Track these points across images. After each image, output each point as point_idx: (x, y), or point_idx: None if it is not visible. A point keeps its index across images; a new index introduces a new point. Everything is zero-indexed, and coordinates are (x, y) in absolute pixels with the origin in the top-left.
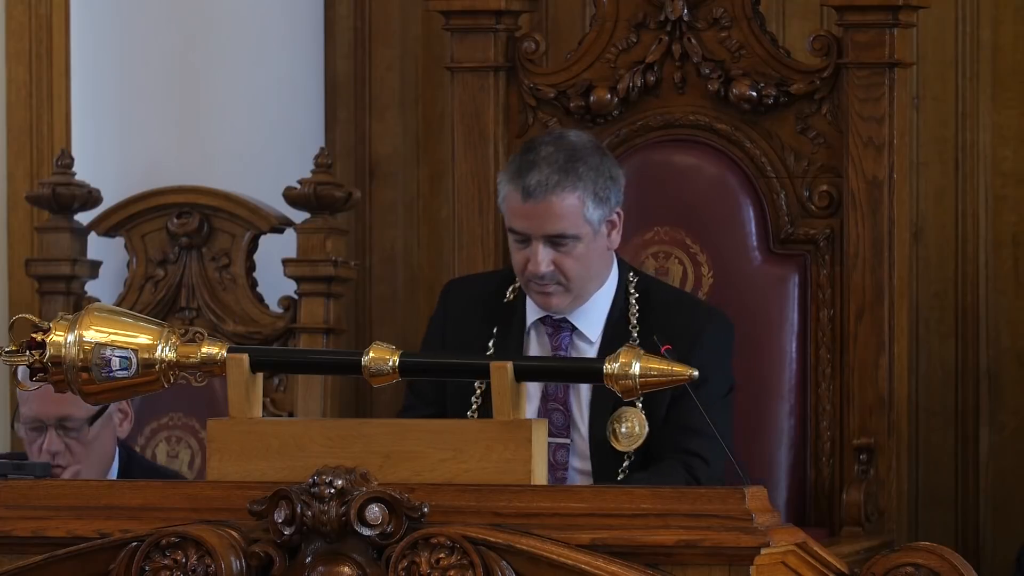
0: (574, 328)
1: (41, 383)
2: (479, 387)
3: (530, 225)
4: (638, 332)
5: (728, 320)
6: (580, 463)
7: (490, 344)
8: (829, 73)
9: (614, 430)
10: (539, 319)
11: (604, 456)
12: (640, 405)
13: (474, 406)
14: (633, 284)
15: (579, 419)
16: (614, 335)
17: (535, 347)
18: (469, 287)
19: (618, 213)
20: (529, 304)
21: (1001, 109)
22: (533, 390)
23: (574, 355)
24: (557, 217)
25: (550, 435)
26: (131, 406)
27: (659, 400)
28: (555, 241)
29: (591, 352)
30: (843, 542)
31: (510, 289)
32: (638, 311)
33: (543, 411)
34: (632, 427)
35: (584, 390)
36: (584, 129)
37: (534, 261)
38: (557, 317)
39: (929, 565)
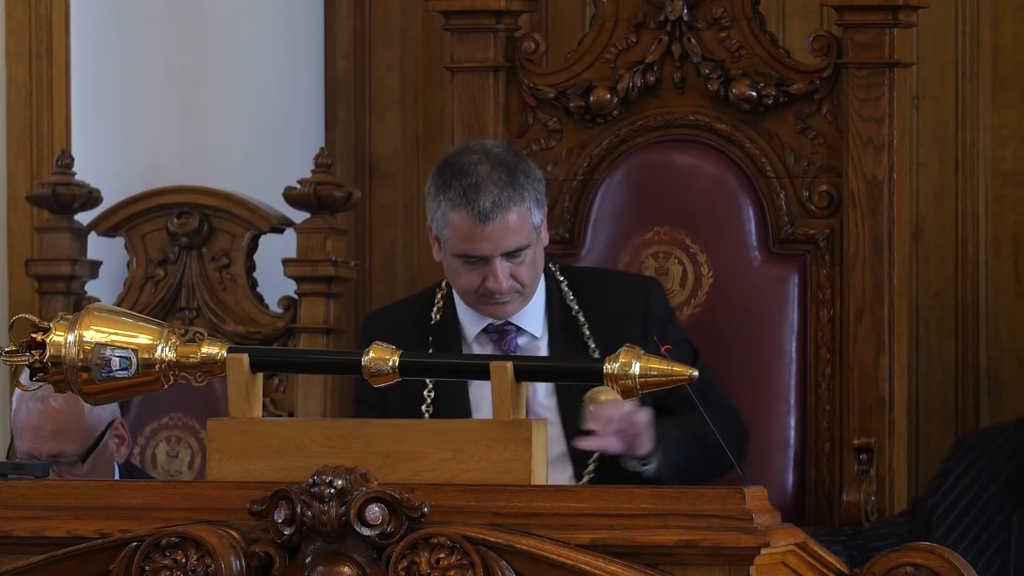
0: (519, 329)
1: (41, 383)
2: (428, 395)
3: (489, 247)
4: (584, 315)
5: (655, 279)
6: (546, 399)
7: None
8: (829, 73)
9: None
10: (481, 331)
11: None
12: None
13: (426, 414)
14: (557, 273)
15: (547, 399)
16: (560, 326)
17: None
18: (390, 316)
19: (545, 210)
20: (465, 318)
21: (1001, 109)
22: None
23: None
24: (514, 232)
25: None
26: (127, 429)
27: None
28: (513, 255)
29: (541, 349)
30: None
31: (434, 310)
32: (573, 297)
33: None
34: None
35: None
36: (584, 129)
37: (494, 279)
38: (498, 323)
39: (929, 565)
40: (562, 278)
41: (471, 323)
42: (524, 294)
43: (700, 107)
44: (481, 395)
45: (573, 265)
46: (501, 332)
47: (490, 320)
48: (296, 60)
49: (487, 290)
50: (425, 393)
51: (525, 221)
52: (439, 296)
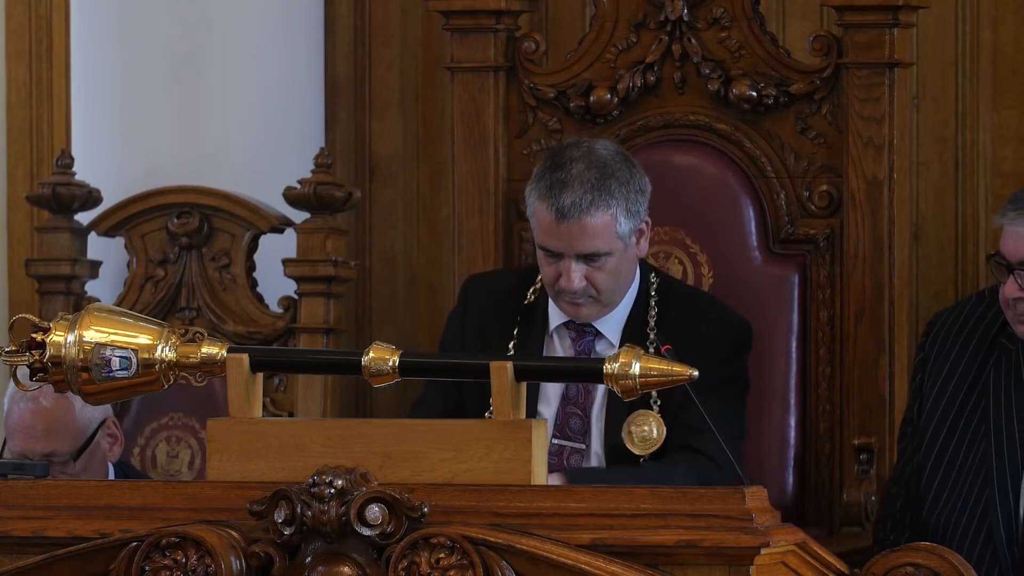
0: (597, 332)
1: (41, 383)
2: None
3: (564, 244)
4: (655, 334)
5: (744, 320)
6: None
7: (511, 346)
8: (829, 73)
9: (630, 432)
10: (563, 323)
11: (619, 462)
12: (657, 408)
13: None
14: (654, 286)
15: (595, 423)
16: (633, 338)
17: (558, 351)
18: (489, 284)
19: (646, 222)
20: (552, 308)
21: (1001, 109)
22: (552, 393)
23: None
24: (591, 236)
25: (566, 438)
26: (120, 428)
27: (675, 400)
28: (588, 257)
29: None
30: (843, 542)
31: (531, 290)
32: (656, 313)
33: (562, 415)
34: (649, 431)
35: (601, 393)
36: (584, 129)
37: (567, 278)
38: (580, 322)
39: (929, 565)
40: (655, 292)
41: (557, 313)
42: (600, 300)
43: (700, 107)
44: (548, 398)
45: (679, 282)
46: (580, 331)
47: (582, 320)
48: (296, 60)
49: (560, 287)
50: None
51: (607, 228)
52: (539, 277)
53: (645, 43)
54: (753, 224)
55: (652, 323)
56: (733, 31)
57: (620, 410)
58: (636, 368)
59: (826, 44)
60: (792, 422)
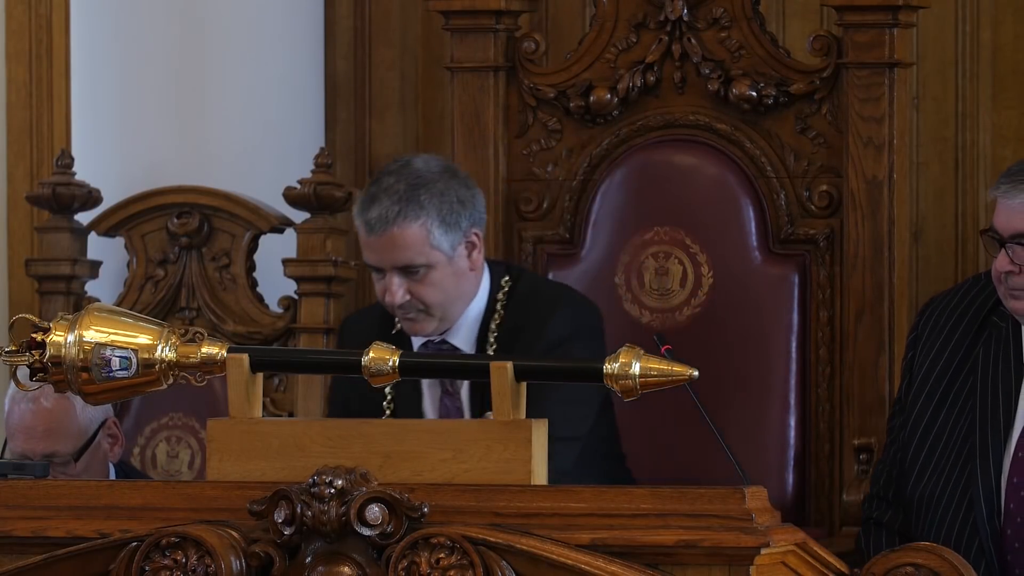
0: (453, 347)
1: (41, 383)
2: (389, 392)
3: (379, 258)
4: (495, 337)
5: (582, 304)
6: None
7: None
8: (829, 73)
9: None
10: (423, 343)
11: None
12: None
13: (387, 412)
14: (504, 290)
15: (466, 414)
16: (480, 347)
17: None
18: (359, 321)
19: (476, 234)
20: None
21: (1001, 109)
22: (428, 387)
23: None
24: (401, 249)
25: None
26: (120, 429)
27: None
28: (406, 271)
29: None
30: (843, 542)
31: (396, 319)
32: (501, 316)
33: (443, 405)
34: None
35: (465, 387)
36: (584, 129)
37: (389, 292)
38: (436, 340)
39: (929, 565)
40: (503, 297)
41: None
42: (432, 314)
43: (700, 107)
44: (431, 409)
45: (538, 280)
46: (438, 348)
47: (429, 336)
48: (296, 60)
49: (388, 303)
50: (384, 404)
51: (419, 239)
52: None
53: (645, 43)
54: (753, 224)
55: (494, 327)
56: (733, 31)
57: (484, 404)
58: (636, 368)
59: (826, 44)
60: (792, 422)
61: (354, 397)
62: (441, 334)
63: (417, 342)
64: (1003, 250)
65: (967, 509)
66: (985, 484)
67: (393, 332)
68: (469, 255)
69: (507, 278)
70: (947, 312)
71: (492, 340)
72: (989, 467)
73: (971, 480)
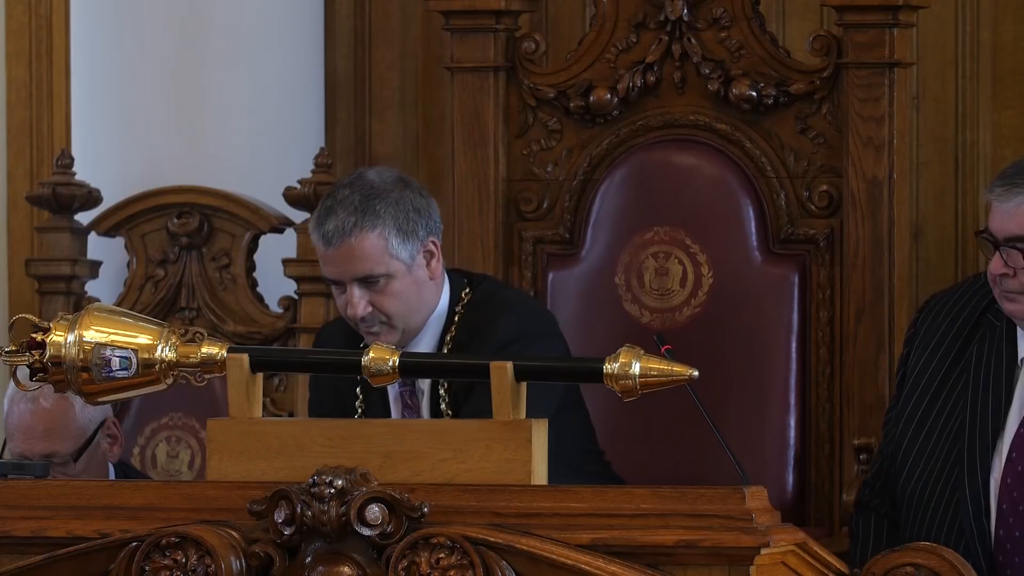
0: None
1: (41, 383)
2: (359, 406)
3: (338, 270)
4: (449, 347)
5: (532, 308)
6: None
7: (357, 391)
8: (829, 73)
9: None
10: None
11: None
12: (449, 415)
13: (359, 411)
14: (463, 302)
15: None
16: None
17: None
18: (334, 329)
19: (433, 242)
20: None
21: (1001, 109)
22: (394, 396)
23: (421, 385)
24: (360, 259)
25: None
26: (120, 428)
27: (463, 398)
28: (367, 282)
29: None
30: (843, 542)
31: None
32: (457, 324)
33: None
34: None
35: (426, 395)
36: (584, 129)
37: (351, 305)
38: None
39: (929, 565)
40: (461, 308)
41: None
42: (394, 325)
43: (700, 107)
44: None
45: (496, 288)
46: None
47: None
48: (296, 60)
49: (350, 316)
50: (356, 404)
51: (378, 249)
52: None
53: (645, 43)
54: (753, 224)
55: (448, 339)
56: (733, 31)
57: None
58: (636, 368)
59: (826, 44)
60: (792, 422)
61: (329, 403)
62: (403, 347)
63: None
64: (997, 253)
65: (955, 509)
66: (972, 484)
67: (363, 344)
68: (428, 264)
69: (467, 289)
70: (945, 310)
71: (446, 350)
72: (976, 468)
73: (959, 480)
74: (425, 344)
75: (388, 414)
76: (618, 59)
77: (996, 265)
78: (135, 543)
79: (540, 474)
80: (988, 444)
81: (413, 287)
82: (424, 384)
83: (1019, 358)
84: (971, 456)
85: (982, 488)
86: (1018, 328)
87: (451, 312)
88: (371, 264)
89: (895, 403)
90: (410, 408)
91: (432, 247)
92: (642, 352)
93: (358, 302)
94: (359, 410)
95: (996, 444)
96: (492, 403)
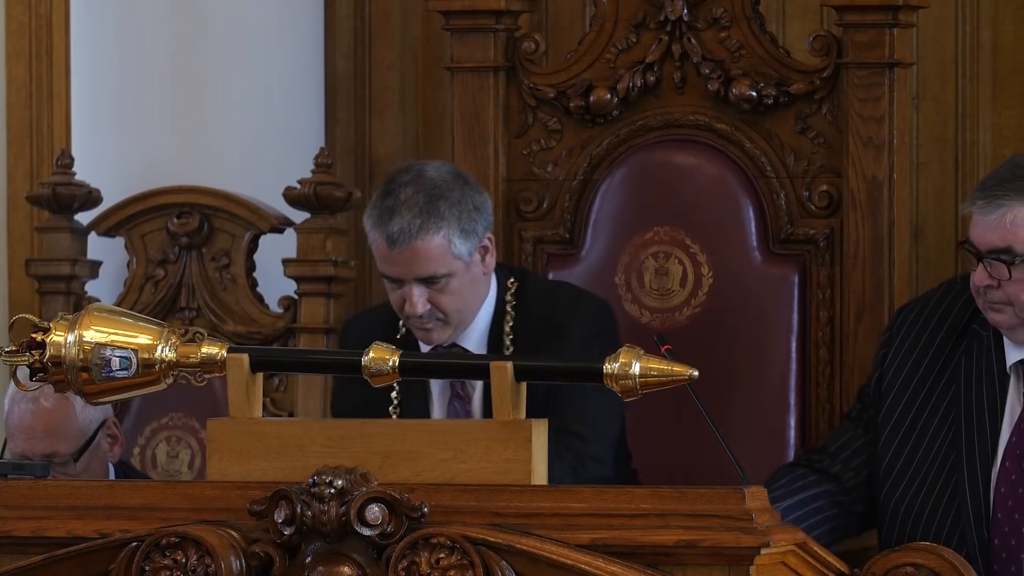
0: (464, 351)
1: (41, 383)
2: (396, 396)
3: (400, 270)
4: (511, 340)
5: (597, 304)
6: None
7: (394, 382)
8: (829, 73)
9: None
10: (432, 348)
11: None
12: None
13: (394, 402)
14: (511, 292)
15: (477, 416)
16: (493, 349)
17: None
18: (364, 322)
19: (489, 238)
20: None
21: (1001, 109)
22: (436, 389)
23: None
24: (425, 260)
25: None
26: (120, 429)
27: (539, 393)
28: (427, 281)
29: None
30: (843, 542)
31: (401, 322)
32: (513, 318)
33: (452, 409)
34: None
35: (479, 388)
36: (584, 129)
37: (410, 303)
38: (446, 344)
39: (929, 565)
40: (511, 298)
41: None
42: (449, 322)
43: (700, 107)
44: (439, 414)
45: (540, 280)
46: (448, 352)
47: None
48: (296, 60)
49: (406, 313)
50: (391, 409)
51: (442, 250)
52: None
53: (645, 43)
54: (753, 224)
55: (508, 328)
56: (733, 31)
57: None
58: (636, 368)
59: (826, 44)
60: (792, 422)
61: (360, 405)
62: (454, 340)
63: (425, 347)
64: (981, 264)
65: (954, 519)
66: (973, 494)
67: (398, 336)
68: (483, 259)
69: (512, 279)
70: (921, 322)
71: (508, 343)
72: (977, 477)
73: (958, 490)
74: (476, 337)
75: (428, 404)
76: (618, 59)
77: (980, 277)
78: (135, 543)
79: (540, 474)
80: (988, 453)
81: (470, 283)
82: None
83: (1008, 367)
84: (970, 465)
85: (983, 495)
86: (1004, 337)
87: (500, 304)
88: (435, 265)
89: (864, 392)
90: (460, 398)
91: (488, 243)
92: (642, 352)
93: (417, 300)
94: (395, 401)
95: (993, 454)
96: (494, 403)
